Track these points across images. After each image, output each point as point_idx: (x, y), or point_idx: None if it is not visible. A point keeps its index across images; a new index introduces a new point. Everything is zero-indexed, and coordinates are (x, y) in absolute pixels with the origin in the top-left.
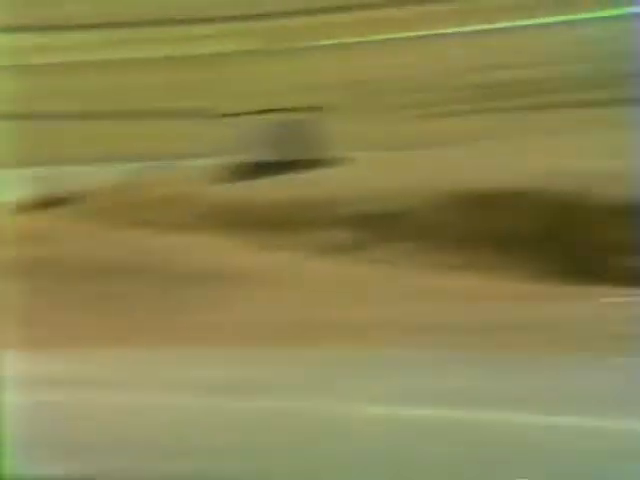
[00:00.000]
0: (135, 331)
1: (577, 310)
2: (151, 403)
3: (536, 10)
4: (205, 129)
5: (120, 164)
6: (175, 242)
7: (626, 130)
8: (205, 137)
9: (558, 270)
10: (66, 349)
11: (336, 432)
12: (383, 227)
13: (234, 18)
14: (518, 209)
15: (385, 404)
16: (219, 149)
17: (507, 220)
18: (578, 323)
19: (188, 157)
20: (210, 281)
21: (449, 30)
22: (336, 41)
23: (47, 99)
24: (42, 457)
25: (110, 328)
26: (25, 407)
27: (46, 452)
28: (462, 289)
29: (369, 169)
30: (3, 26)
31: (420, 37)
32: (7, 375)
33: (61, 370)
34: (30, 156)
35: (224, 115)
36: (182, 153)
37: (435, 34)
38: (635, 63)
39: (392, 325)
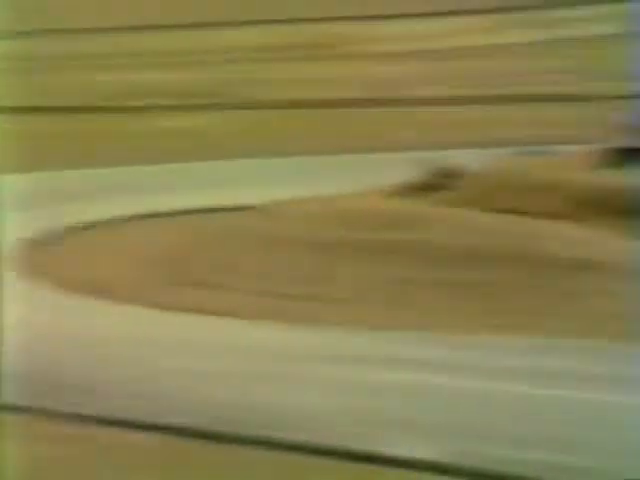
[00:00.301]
0: (500, 317)
1: None
2: (501, 390)
3: None
4: (580, 114)
5: (494, 149)
6: (546, 229)
7: None
8: (580, 122)
9: None
10: (433, 332)
11: None
12: None
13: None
14: None
15: None
16: (594, 134)
17: None
18: None
19: (562, 142)
20: (579, 270)
21: None
22: None
23: (416, 85)
24: (403, 439)
25: (475, 313)
26: (391, 388)
27: (412, 434)
28: None
29: None
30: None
31: None
32: (374, 355)
33: (428, 353)
34: (402, 140)
35: (601, 99)
36: (556, 138)
37: None
38: None
39: None
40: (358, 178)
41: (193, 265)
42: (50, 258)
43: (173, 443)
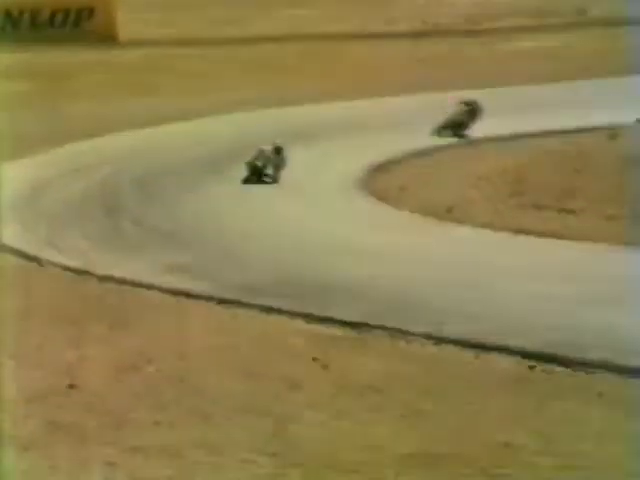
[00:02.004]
0: None
1: None
2: None
3: None
4: None
5: None
6: None
7: None
8: None
9: None
10: None
11: None
12: None
13: None
14: None
15: None
16: None
17: None
18: None
19: None
20: None
21: None
22: None
23: None
24: None
25: None
26: None
27: None
28: None
29: None
30: None
31: None
32: None
33: None
34: None
35: None
36: None
37: None
38: None
39: None
40: None
41: (539, 188)
42: (395, 180)
43: (514, 365)
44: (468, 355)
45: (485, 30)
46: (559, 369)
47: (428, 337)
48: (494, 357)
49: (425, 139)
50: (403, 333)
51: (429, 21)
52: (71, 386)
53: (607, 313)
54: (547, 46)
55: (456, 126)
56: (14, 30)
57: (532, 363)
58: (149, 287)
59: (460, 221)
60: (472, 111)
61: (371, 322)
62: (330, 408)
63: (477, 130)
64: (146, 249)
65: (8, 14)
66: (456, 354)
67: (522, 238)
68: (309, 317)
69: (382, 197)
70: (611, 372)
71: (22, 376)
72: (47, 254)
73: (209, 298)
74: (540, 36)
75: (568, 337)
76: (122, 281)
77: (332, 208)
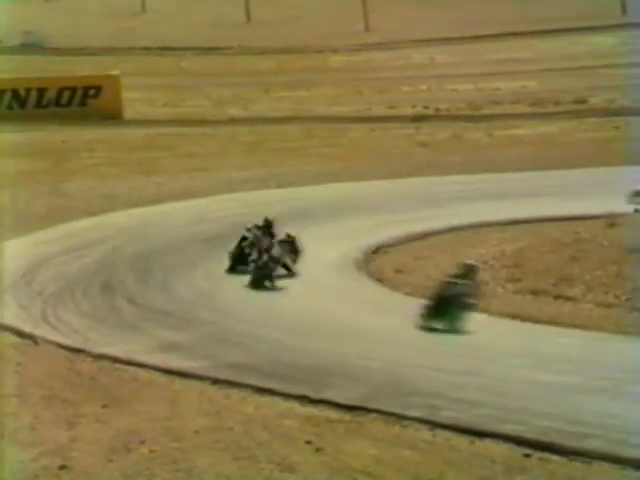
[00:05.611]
0: None
1: None
2: None
3: None
4: None
5: None
6: None
7: None
8: None
9: None
10: None
11: None
12: None
13: None
14: None
15: None
16: None
17: None
18: None
19: None
20: None
21: None
22: None
23: None
24: None
25: None
26: None
27: None
28: None
29: None
30: None
31: None
32: None
33: None
34: None
35: None
36: None
37: None
38: None
39: None
40: None
41: (536, 274)
42: (392, 262)
43: (510, 452)
44: (463, 441)
45: (486, 116)
46: (555, 458)
47: (423, 422)
48: (489, 444)
49: (422, 223)
50: (398, 417)
51: (431, 105)
52: (62, 467)
53: (604, 402)
54: (546, 133)
55: None
56: (21, 108)
57: (528, 451)
58: (143, 366)
59: None
60: None
61: (366, 405)
62: None
63: (475, 215)
64: (141, 328)
65: (15, 93)
66: (451, 440)
67: (519, 324)
68: (303, 399)
69: (379, 279)
70: (608, 462)
71: (13, 457)
72: (42, 332)
73: (203, 378)
74: (539, 123)
75: (564, 426)
76: (116, 360)
77: (329, 290)
